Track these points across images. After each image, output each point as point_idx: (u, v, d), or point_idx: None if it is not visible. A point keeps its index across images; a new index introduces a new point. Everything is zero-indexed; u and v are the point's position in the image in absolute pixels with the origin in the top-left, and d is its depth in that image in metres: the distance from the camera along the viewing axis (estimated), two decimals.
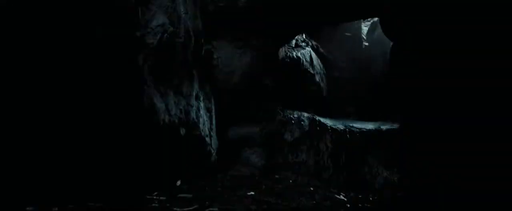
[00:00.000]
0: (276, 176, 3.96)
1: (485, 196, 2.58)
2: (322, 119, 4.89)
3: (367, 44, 6.41)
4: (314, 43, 5.47)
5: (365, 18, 5.69)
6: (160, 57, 3.00)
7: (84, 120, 2.42)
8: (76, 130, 2.40)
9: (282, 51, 4.94)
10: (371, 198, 3.51)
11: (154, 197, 2.71)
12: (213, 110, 4.02)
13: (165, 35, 2.96)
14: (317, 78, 5.22)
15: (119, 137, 2.59)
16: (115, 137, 2.57)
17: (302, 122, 4.77)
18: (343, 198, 3.33)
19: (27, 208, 2.11)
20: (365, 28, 6.65)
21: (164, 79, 3.00)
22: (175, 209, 2.48)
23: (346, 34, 5.94)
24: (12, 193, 2.17)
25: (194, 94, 3.47)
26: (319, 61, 5.43)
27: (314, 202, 3.00)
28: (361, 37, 6.39)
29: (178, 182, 3.16)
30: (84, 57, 2.36)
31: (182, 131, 3.24)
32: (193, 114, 3.39)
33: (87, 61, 2.37)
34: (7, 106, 2.19)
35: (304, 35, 5.31)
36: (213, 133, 3.98)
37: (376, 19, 5.96)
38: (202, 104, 3.67)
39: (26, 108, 2.26)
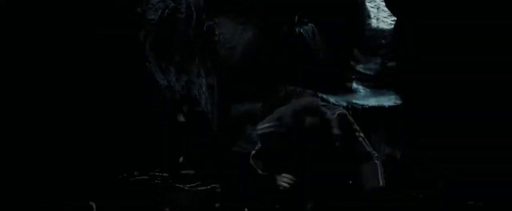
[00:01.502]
0: None
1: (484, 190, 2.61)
2: (324, 96, 4.86)
3: (374, 21, 6.37)
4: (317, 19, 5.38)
5: None
6: (162, 33, 2.97)
7: (86, 98, 2.41)
8: (78, 108, 2.40)
9: (284, 27, 4.87)
10: None
11: (157, 174, 2.73)
12: (215, 87, 4.00)
13: (167, 10, 2.92)
14: (320, 54, 5.17)
15: (121, 114, 2.59)
16: (117, 115, 2.57)
17: None
18: None
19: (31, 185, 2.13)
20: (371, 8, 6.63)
21: (165, 55, 2.98)
22: (177, 185, 2.50)
23: None
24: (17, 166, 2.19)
25: (195, 70, 3.45)
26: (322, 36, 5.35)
27: None
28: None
29: (181, 159, 3.18)
30: (86, 34, 2.33)
31: (184, 107, 3.23)
32: (195, 91, 3.38)
33: (89, 38, 2.34)
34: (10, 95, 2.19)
35: (306, 11, 5.23)
36: (215, 110, 3.97)
37: None
38: (204, 81, 3.65)
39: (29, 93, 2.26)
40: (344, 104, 4.73)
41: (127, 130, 2.62)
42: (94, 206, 1.83)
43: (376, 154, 1.91)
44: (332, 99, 4.81)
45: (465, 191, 2.66)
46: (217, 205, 1.92)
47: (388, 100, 4.66)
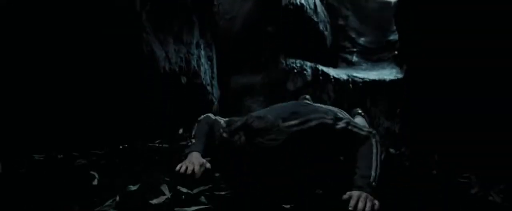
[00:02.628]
0: None
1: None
2: (325, 69, 4.84)
3: None
4: None
5: None
6: (159, 2, 2.90)
7: (84, 69, 2.38)
8: (78, 79, 2.37)
9: None
10: None
11: (157, 145, 2.73)
12: (214, 58, 3.95)
13: None
14: (321, 26, 5.09)
15: (120, 86, 2.57)
16: (116, 86, 2.54)
17: (304, 72, 4.71)
18: None
19: (35, 155, 2.14)
20: None
21: (163, 26, 2.92)
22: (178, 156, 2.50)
23: None
24: (19, 142, 2.19)
25: (194, 42, 3.39)
26: (323, 8, 5.26)
27: None
28: None
29: (180, 131, 3.17)
30: (81, 6, 2.28)
31: (183, 79, 3.20)
32: (194, 63, 3.34)
33: (83, 9, 2.29)
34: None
35: None
36: (215, 82, 3.95)
37: None
38: (203, 52, 3.60)
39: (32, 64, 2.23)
40: (345, 77, 4.71)
41: (125, 101, 2.60)
42: (96, 175, 1.83)
43: (374, 131, 1.89)
44: (332, 72, 4.78)
45: (460, 167, 2.66)
46: (216, 175, 1.92)
47: (389, 74, 4.64)
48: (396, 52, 5.01)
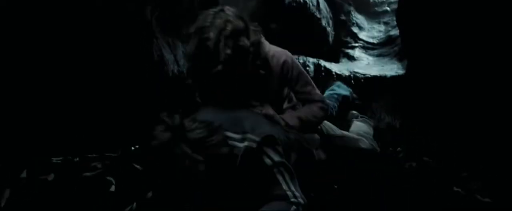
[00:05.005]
0: None
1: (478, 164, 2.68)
2: (327, 65, 4.91)
3: None
4: None
5: None
6: (167, 6, 2.98)
7: (97, 74, 2.48)
8: (91, 84, 2.47)
9: None
10: None
11: None
12: None
13: None
14: (324, 22, 5.15)
15: (131, 89, 2.67)
16: (127, 89, 2.65)
17: (307, 68, 4.79)
18: None
19: (53, 159, 2.25)
20: None
21: (171, 29, 3.01)
22: None
23: None
24: (38, 145, 2.30)
25: None
26: (326, 4, 5.31)
27: None
28: None
29: None
30: (94, 14, 2.37)
31: (189, 81, 3.30)
32: None
33: (97, 18, 2.38)
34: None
35: None
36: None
37: None
38: None
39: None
40: (347, 73, 4.79)
41: (137, 104, 2.70)
42: (113, 181, 1.94)
43: (294, 200, 1.50)
44: (335, 68, 4.86)
45: (459, 163, 2.76)
46: None
47: (390, 70, 4.71)
48: (397, 48, 5.07)
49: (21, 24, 2.25)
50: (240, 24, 1.74)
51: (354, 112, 3.35)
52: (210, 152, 1.44)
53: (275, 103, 2.07)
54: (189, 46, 1.80)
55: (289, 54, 2.04)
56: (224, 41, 1.67)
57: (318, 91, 2.15)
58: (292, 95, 2.19)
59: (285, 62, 1.99)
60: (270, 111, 1.96)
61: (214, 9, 1.82)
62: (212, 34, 1.68)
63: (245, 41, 1.70)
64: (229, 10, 1.82)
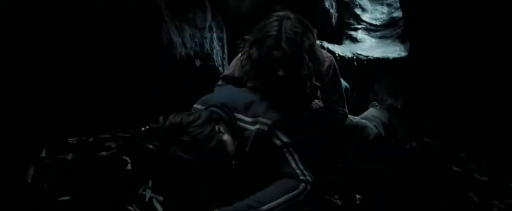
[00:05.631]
0: None
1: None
2: (330, 46, 4.96)
3: None
4: None
5: None
6: None
7: (108, 59, 2.56)
8: (103, 70, 2.55)
9: None
10: None
11: None
12: (225, 39, 4.10)
13: None
14: (327, 4, 5.17)
15: (141, 72, 2.75)
16: (138, 72, 2.73)
17: None
18: None
19: (69, 139, 2.34)
20: None
21: (179, 13, 3.06)
22: None
23: None
24: (54, 127, 2.39)
25: (207, 25, 3.53)
26: None
27: None
28: None
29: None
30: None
31: (197, 62, 3.37)
32: (207, 46, 3.49)
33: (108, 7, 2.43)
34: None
35: None
36: (225, 62, 4.10)
37: None
38: (214, 35, 3.74)
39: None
40: (350, 55, 4.84)
41: (147, 87, 2.79)
42: (128, 160, 2.03)
43: (303, 178, 1.59)
44: (338, 50, 4.91)
45: (459, 144, 2.85)
46: None
47: (392, 52, 4.75)
48: (400, 29, 5.10)
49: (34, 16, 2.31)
50: (306, 31, 1.85)
51: (374, 102, 3.48)
52: (206, 147, 1.47)
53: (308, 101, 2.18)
54: (254, 52, 1.85)
55: (334, 60, 2.13)
56: (290, 50, 1.76)
57: (343, 100, 2.22)
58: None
59: (329, 67, 2.07)
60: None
61: (278, 15, 1.90)
62: (282, 44, 1.76)
63: (307, 48, 1.80)
64: (293, 17, 1.90)
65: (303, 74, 1.85)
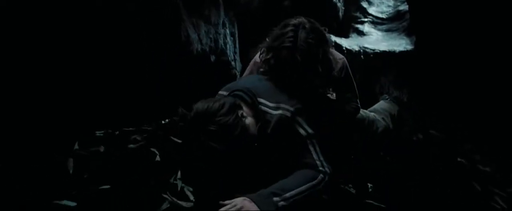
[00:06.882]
0: None
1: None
2: (338, 40, 5.07)
3: None
4: None
5: None
6: None
7: (133, 58, 2.70)
8: (127, 66, 2.69)
9: None
10: None
11: None
12: (236, 34, 4.23)
13: None
14: None
15: (161, 68, 2.89)
16: (158, 68, 2.87)
17: None
18: None
19: (96, 132, 2.49)
20: None
21: (196, 11, 3.19)
22: None
23: None
24: (82, 121, 2.54)
25: (221, 21, 3.66)
26: None
27: None
28: None
29: None
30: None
31: (212, 58, 3.51)
32: (220, 42, 3.63)
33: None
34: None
35: None
36: (237, 56, 4.24)
37: None
38: (227, 30, 3.87)
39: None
40: (357, 48, 4.95)
41: (166, 82, 2.93)
42: (156, 152, 2.15)
43: (322, 169, 1.66)
44: (345, 43, 5.02)
45: (463, 136, 2.97)
46: None
47: (398, 45, 4.85)
48: (406, 23, 5.20)
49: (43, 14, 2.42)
50: (320, 41, 1.89)
51: (385, 95, 3.57)
52: (232, 134, 1.52)
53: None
54: (271, 59, 1.90)
55: (346, 61, 2.24)
56: (304, 62, 1.81)
57: (356, 96, 2.36)
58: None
59: (342, 68, 2.18)
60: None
61: (294, 24, 1.91)
62: (296, 57, 1.80)
63: (321, 58, 1.86)
64: (308, 26, 1.91)
65: (316, 84, 1.96)
